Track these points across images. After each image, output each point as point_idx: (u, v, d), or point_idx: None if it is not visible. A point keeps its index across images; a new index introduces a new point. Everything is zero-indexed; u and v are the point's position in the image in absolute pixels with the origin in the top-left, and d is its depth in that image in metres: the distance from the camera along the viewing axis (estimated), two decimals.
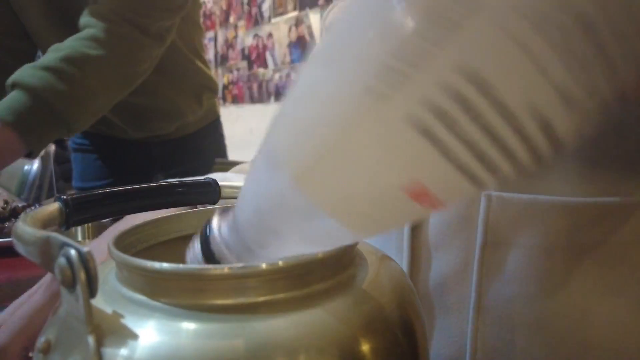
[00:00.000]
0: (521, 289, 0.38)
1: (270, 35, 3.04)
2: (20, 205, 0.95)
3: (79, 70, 0.67)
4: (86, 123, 0.73)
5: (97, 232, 0.74)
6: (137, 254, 0.29)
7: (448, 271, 0.42)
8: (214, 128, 1.21)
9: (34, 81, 0.65)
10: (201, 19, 1.22)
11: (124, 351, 0.20)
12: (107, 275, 0.25)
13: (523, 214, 0.38)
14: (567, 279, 0.38)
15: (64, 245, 0.20)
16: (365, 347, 0.21)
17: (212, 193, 0.36)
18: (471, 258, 0.40)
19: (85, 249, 0.20)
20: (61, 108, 0.66)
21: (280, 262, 0.21)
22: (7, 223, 0.86)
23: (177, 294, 0.22)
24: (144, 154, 1.12)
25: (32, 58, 0.90)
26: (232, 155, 1.28)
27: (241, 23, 2.92)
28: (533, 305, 0.38)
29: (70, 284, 0.20)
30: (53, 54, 0.68)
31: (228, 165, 1.10)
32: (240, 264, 0.21)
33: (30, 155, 0.71)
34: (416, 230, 0.43)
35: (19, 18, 0.88)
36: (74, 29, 0.74)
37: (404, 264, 0.43)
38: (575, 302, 0.37)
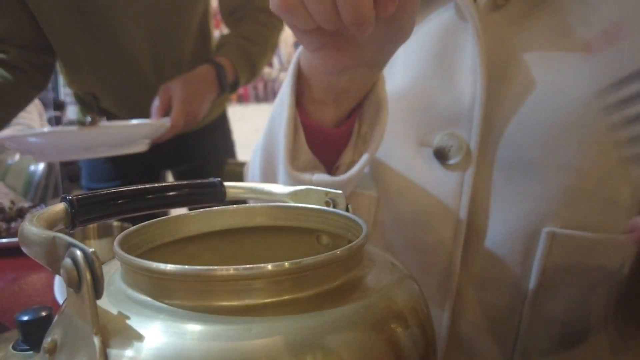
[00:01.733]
0: (566, 330, 0.37)
1: None
2: (26, 205, 0.95)
3: (262, 39, 1.10)
4: (258, 73, 1.14)
5: (102, 232, 0.75)
6: (142, 255, 0.29)
7: (494, 311, 0.40)
8: (221, 122, 1.21)
9: (239, 40, 1.07)
10: None
11: (129, 352, 0.20)
12: (113, 276, 0.25)
13: (585, 253, 0.36)
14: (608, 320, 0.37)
15: (70, 245, 0.20)
16: (371, 350, 0.21)
17: (218, 193, 0.36)
18: (521, 296, 0.38)
19: (90, 249, 0.20)
20: (253, 57, 1.08)
21: (287, 264, 0.21)
22: (13, 223, 0.86)
23: (182, 296, 0.22)
24: (152, 152, 1.12)
25: (52, 68, 1.05)
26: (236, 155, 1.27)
27: None
28: (577, 345, 0.37)
29: (76, 285, 0.20)
30: (247, 28, 1.09)
31: (238, 166, 1.10)
32: (246, 266, 0.21)
33: (235, 86, 1.06)
34: (464, 269, 0.41)
35: (40, 30, 0.97)
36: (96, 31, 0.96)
37: (447, 301, 0.41)
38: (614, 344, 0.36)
